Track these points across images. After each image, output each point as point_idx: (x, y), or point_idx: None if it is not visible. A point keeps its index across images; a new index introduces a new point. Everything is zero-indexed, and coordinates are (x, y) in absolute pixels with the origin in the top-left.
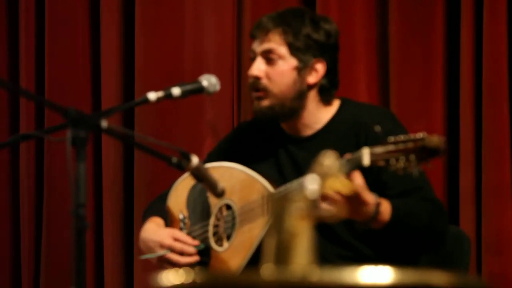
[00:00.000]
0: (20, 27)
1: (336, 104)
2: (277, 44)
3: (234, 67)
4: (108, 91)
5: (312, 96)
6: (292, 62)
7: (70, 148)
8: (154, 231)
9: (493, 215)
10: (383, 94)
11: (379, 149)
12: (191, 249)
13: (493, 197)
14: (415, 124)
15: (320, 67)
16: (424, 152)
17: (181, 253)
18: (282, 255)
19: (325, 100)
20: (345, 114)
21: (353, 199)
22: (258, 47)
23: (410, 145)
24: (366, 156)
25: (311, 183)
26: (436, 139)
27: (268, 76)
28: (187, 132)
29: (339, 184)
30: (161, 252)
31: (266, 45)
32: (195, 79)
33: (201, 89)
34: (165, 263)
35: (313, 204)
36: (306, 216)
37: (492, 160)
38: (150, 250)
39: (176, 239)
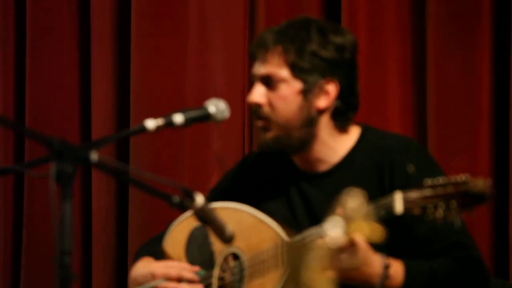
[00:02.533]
0: None
1: (355, 132)
2: (277, 66)
3: (245, 91)
4: (99, 117)
5: (324, 122)
6: (296, 85)
7: (54, 184)
8: (144, 266)
9: None
10: (419, 121)
11: (414, 194)
12: (191, 275)
13: None
14: (457, 159)
15: (331, 89)
16: (467, 198)
17: (179, 281)
18: None
19: (340, 126)
20: (366, 146)
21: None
22: (257, 69)
23: (451, 189)
24: (399, 202)
25: (333, 228)
26: (481, 183)
27: (270, 103)
28: (191, 166)
29: (367, 230)
30: (153, 282)
31: (265, 69)
32: (200, 105)
33: (207, 116)
34: None
35: (336, 253)
36: (327, 267)
37: None
38: (141, 285)
39: (170, 267)
